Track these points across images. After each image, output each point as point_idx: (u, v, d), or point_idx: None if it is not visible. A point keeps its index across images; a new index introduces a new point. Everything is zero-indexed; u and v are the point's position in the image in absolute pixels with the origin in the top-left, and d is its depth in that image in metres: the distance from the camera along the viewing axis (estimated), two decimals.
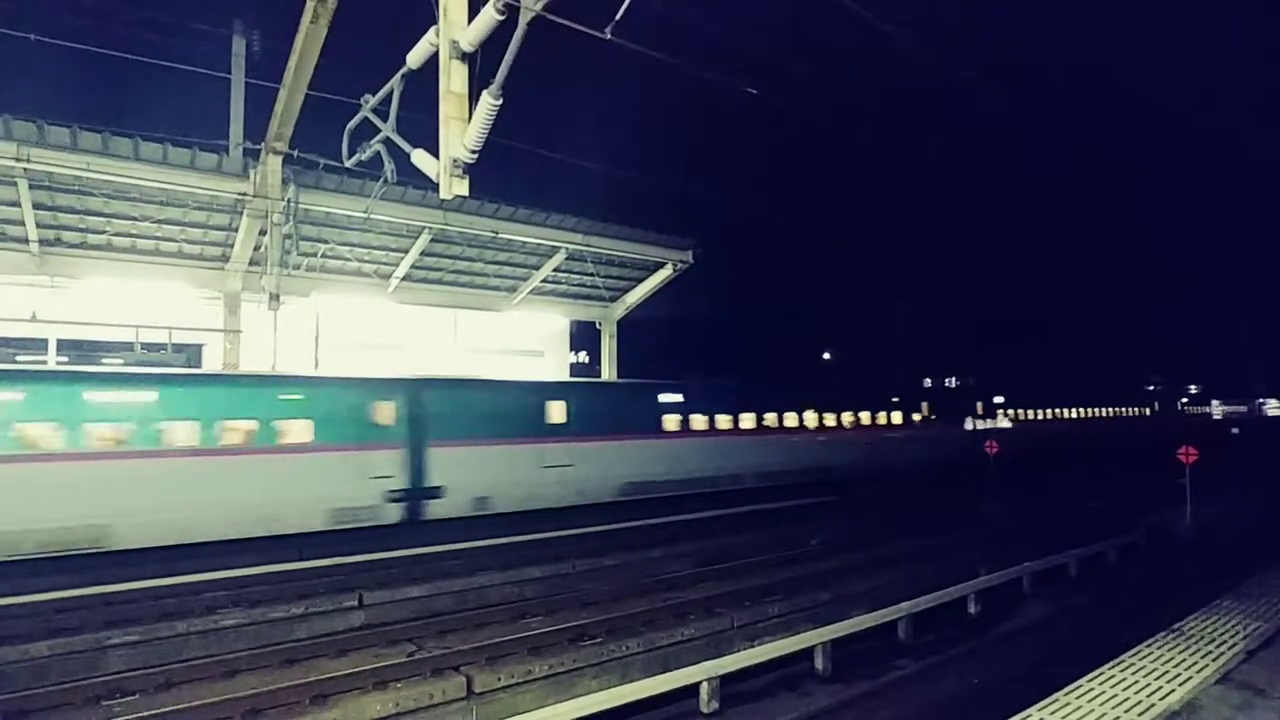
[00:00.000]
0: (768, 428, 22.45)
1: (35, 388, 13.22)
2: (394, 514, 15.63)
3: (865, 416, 25.28)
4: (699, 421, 20.90)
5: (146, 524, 13.25)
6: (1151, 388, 55.35)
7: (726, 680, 9.54)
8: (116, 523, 12.99)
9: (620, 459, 19.12)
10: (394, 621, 11.50)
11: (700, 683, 9.26)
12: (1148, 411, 45.32)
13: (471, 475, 16.74)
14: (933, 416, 27.64)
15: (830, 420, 24.28)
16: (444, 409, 16.72)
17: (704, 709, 9.29)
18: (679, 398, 20.84)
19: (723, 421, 21.40)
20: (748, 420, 22.07)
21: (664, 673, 9.18)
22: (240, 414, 14.48)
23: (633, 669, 9.74)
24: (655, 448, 19.95)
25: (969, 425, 30.00)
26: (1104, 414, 40.35)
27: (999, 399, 32.70)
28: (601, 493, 18.75)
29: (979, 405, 31.60)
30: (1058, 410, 36.61)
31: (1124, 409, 42.16)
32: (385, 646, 10.18)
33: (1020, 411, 33.77)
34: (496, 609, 11.88)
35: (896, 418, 26.34)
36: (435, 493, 16.21)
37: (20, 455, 12.63)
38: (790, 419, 23.10)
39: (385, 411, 15.86)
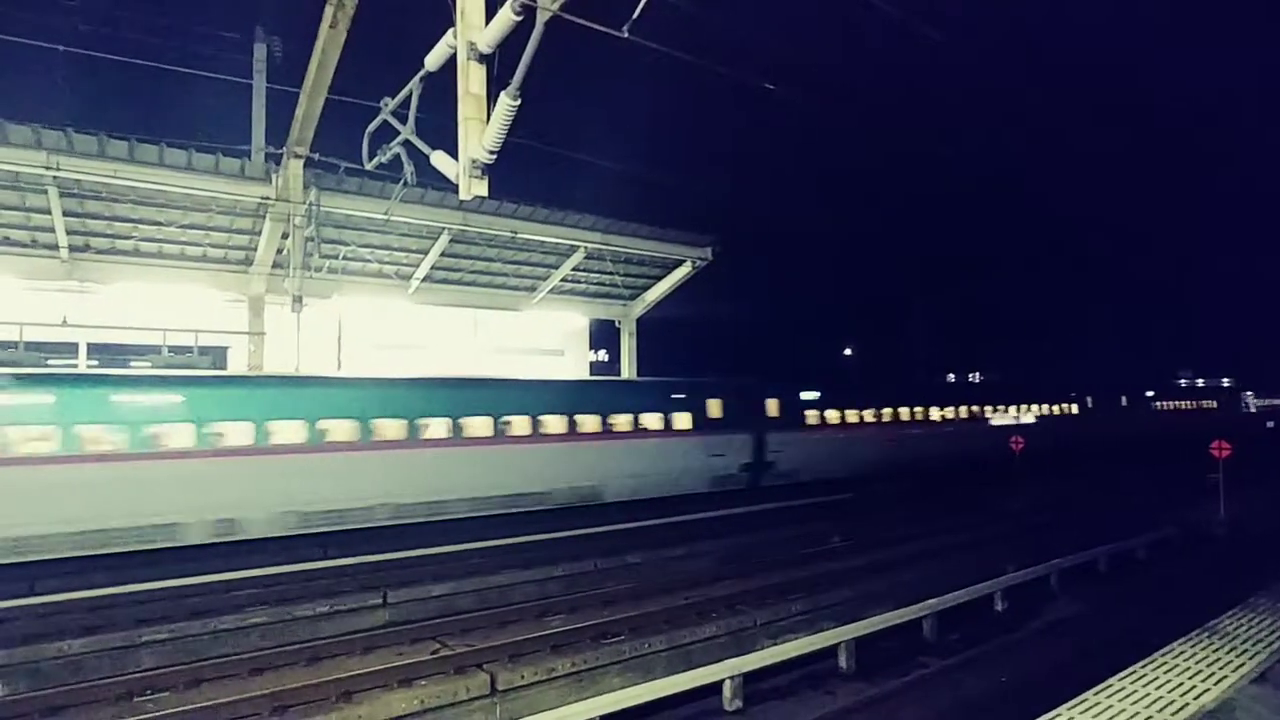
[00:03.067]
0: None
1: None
2: None
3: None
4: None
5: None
6: (1183, 381, 54.28)
7: (749, 678, 9.50)
8: None
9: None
10: (418, 620, 11.59)
11: (723, 680, 9.23)
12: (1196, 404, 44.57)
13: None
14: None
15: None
16: None
17: (727, 707, 9.26)
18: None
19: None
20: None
21: (687, 671, 9.16)
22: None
23: (655, 667, 9.74)
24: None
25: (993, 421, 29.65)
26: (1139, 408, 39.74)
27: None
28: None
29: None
30: (1082, 405, 36.05)
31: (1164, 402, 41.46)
32: (409, 644, 10.26)
33: (1045, 406, 33.31)
34: (519, 607, 11.94)
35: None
36: None
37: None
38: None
39: None
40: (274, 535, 14.28)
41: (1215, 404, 46.98)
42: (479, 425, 16.58)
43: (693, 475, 19.83)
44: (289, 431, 14.62)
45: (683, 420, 19.81)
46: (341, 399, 15.65)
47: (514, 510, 16.85)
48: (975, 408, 29.15)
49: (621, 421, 18.76)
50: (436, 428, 16.05)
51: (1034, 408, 31.93)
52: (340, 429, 15.10)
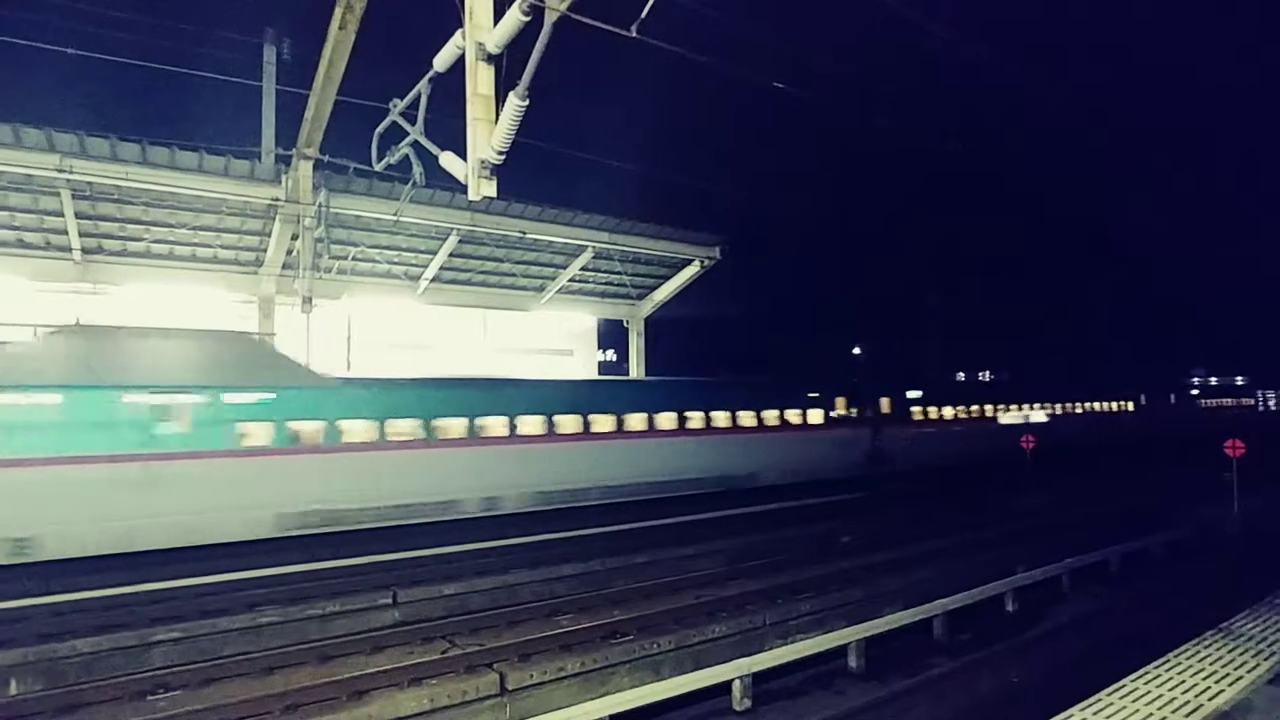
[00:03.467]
0: None
1: None
2: None
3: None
4: None
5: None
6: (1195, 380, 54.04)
7: (759, 678, 9.48)
8: None
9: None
10: (428, 619, 11.62)
11: (732, 680, 9.22)
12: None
13: None
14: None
15: None
16: None
17: (736, 707, 9.24)
18: None
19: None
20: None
21: (696, 670, 9.15)
22: None
23: (664, 666, 9.72)
24: None
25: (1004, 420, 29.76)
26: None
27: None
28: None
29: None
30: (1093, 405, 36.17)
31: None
32: (419, 643, 10.28)
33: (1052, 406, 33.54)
34: (529, 606, 11.95)
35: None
36: None
37: None
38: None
39: None
40: (524, 510, 16.96)
41: (1253, 401, 48.17)
42: (664, 420, 19.52)
43: (827, 464, 22.59)
44: (531, 425, 17.35)
45: (816, 416, 22.67)
46: (564, 397, 18.49)
47: (689, 493, 19.52)
48: (1045, 405, 31.82)
49: (770, 416, 21.48)
50: (634, 422, 18.94)
51: (1093, 405, 34.41)
52: (567, 423, 17.85)
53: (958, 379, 53.49)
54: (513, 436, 16.94)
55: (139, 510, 12.82)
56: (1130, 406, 36.66)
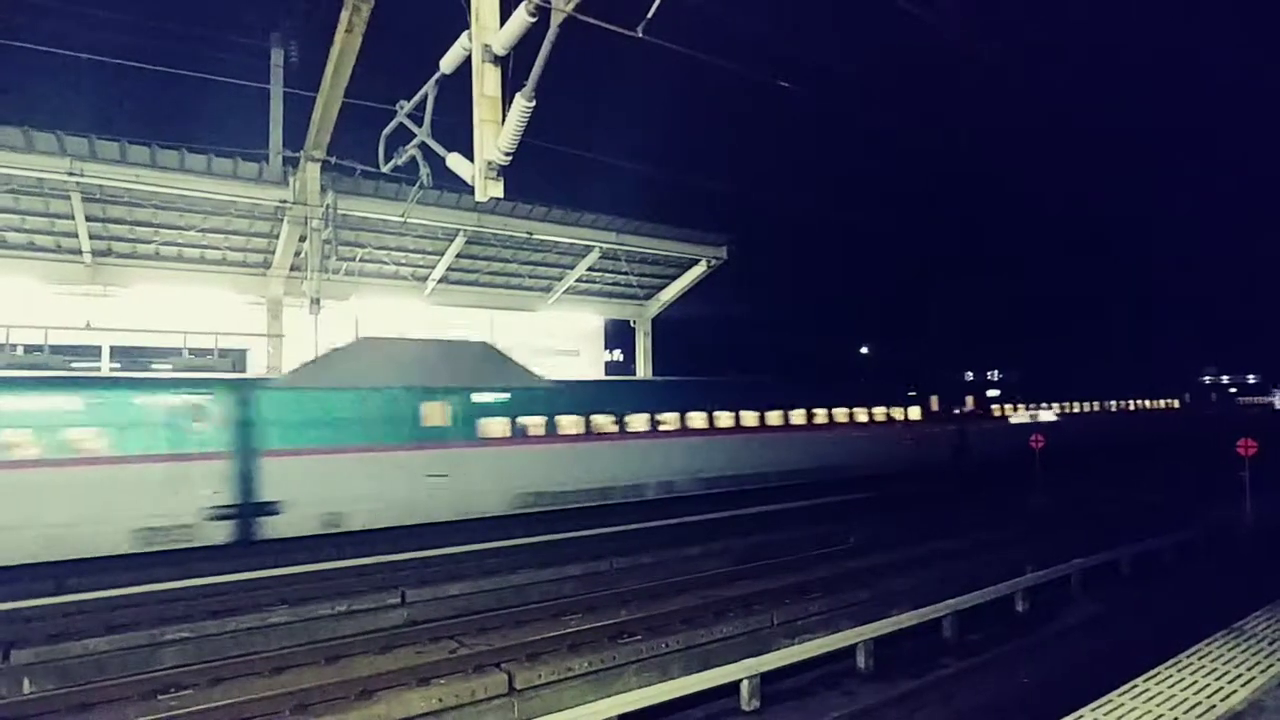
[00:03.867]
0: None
1: None
2: None
3: None
4: None
5: None
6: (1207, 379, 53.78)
7: (767, 678, 9.45)
8: None
9: None
10: (436, 619, 11.64)
11: (741, 680, 9.19)
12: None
13: None
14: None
15: None
16: None
17: (745, 707, 9.22)
18: None
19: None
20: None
21: (704, 670, 9.14)
22: None
23: (672, 666, 9.71)
24: None
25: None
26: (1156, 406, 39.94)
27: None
28: None
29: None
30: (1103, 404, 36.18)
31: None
32: (427, 643, 10.31)
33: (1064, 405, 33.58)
34: (536, 606, 11.96)
35: None
36: None
37: None
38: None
39: None
40: (670, 496, 18.98)
41: None
42: (777, 417, 21.33)
43: (921, 460, 24.22)
44: (669, 421, 19.42)
45: (914, 413, 24.61)
46: (722, 395, 20.49)
47: (828, 480, 21.59)
48: (1101, 403, 33.66)
49: (878, 413, 23.61)
50: (724, 419, 20.44)
51: (1145, 403, 36.04)
52: (724, 418, 20.12)
53: (964, 378, 53.31)
54: (684, 430, 19.39)
55: (417, 491, 15.37)
56: (1176, 404, 37.88)
